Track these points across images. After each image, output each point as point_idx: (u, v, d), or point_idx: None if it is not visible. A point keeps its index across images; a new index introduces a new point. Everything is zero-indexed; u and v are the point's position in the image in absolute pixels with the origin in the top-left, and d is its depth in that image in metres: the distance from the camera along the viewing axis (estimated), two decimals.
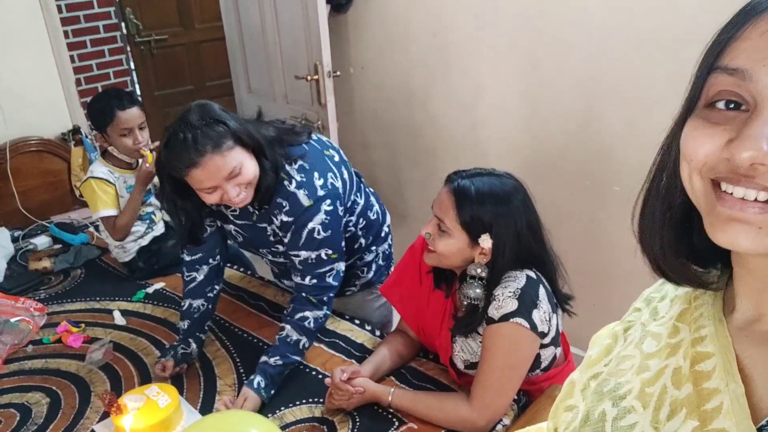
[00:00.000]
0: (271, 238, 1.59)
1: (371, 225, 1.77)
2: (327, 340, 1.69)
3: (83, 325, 1.85)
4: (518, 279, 1.25)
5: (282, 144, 1.51)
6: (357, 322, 1.76)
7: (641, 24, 1.82)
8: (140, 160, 2.04)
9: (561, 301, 1.33)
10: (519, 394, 1.40)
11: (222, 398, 1.48)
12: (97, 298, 2.02)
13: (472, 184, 1.26)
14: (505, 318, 1.23)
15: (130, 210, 2.02)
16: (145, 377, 1.60)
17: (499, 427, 1.31)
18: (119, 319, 1.87)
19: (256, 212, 1.56)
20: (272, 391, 1.47)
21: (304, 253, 1.52)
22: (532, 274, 1.27)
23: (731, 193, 0.45)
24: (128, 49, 4.53)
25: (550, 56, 2.10)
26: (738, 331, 0.53)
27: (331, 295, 1.58)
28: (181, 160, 1.36)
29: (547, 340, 1.30)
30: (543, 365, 1.35)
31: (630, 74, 1.89)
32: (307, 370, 1.57)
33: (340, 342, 1.67)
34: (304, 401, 1.46)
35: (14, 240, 2.40)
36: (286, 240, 1.54)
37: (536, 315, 1.24)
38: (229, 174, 1.38)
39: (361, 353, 1.61)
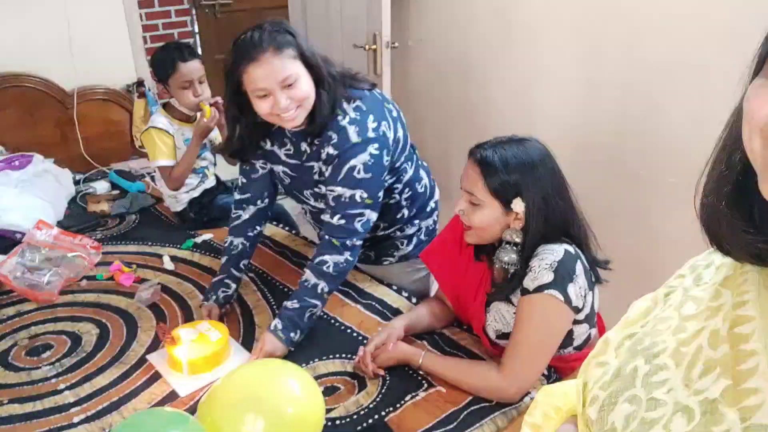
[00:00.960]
0: (316, 177, 1.61)
1: (417, 197, 1.78)
2: (363, 301, 1.72)
3: (135, 266, 1.94)
4: (556, 252, 1.25)
5: (344, 83, 1.53)
6: (395, 287, 1.79)
7: (715, 13, 1.76)
8: (198, 114, 2.11)
9: (597, 266, 1.33)
10: (550, 371, 1.41)
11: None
12: (149, 243, 2.11)
13: (495, 152, 1.27)
14: (539, 289, 1.24)
15: (185, 162, 2.10)
16: (188, 318, 1.67)
17: (527, 399, 1.32)
18: (168, 264, 1.95)
19: (308, 150, 1.58)
20: (292, 334, 1.49)
21: (339, 189, 1.52)
22: (570, 248, 1.27)
23: None
24: (194, 11, 4.63)
25: (615, 43, 2.06)
26: None
27: (357, 242, 1.56)
28: (242, 55, 1.40)
29: (581, 316, 1.30)
30: (576, 343, 1.36)
31: (700, 66, 1.83)
32: (342, 327, 1.62)
33: (376, 304, 1.71)
34: (337, 356, 1.50)
35: (76, 182, 2.52)
36: (326, 174, 1.55)
37: (572, 289, 1.24)
38: (284, 80, 1.40)
39: (396, 317, 1.64)
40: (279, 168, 1.68)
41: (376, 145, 1.50)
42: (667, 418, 0.53)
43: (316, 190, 1.64)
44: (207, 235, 2.14)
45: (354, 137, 1.49)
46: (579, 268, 1.26)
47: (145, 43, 4.09)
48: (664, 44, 1.91)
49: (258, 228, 1.76)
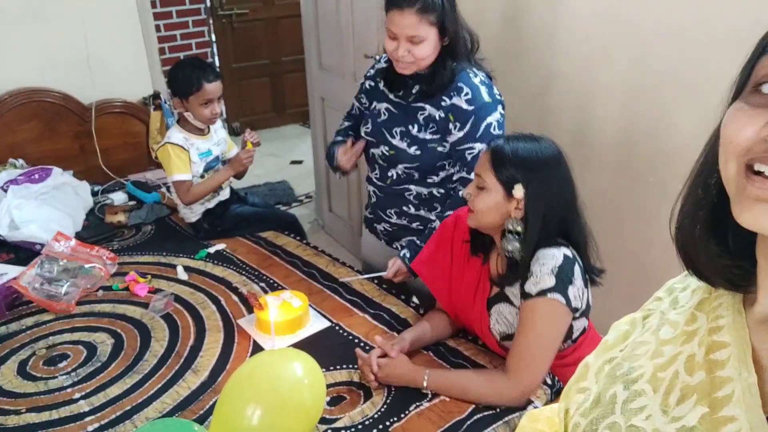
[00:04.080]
0: (421, 120, 1.71)
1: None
2: (372, 311, 1.75)
3: (149, 276, 1.98)
4: (556, 257, 1.29)
5: (469, 59, 1.71)
6: (403, 297, 1.81)
7: (723, 20, 1.75)
8: (212, 128, 2.16)
9: (591, 273, 1.37)
10: (553, 380, 1.42)
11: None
12: (164, 253, 2.15)
13: (507, 144, 1.35)
14: (542, 293, 1.28)
15: (209, 185, 2.16)
16: (200, 328, 1.71)
17: (530, 408, 1.33)
18: (182, 274, 1.99)
19: (418, 92, 1.71)
20: None
21: (478, 146, 1.66)
22: (568, 252, 1.31)
23: (762, 173, 0.46)
24: (211, 21, 4.72)
25: (625, 50, 2.05)
26: (757, 323, 0.53)
27: None
28: (392, 2, 1.58)
29: (578, 314, 1.35)
30: (574, 336, 1.40)
31: (708, 72, 1.82)
32: (350, 337, 1.64)
33: (385, 315, 1.73)
34: (344, 366, 1.52)
35: (94, 194, 2.58)
36: (459, 132, 1.67)
37: (571, 291, 1.28)
38: (411, 37, 1.58)
39: (403, 327, 1.65)
40: (382, 105, 1.80)
41: (501, 108, 1.69)
42: None
43: (410, 128, 1.73)
44: (220, 245, 2.17)
45: (486, 97, 1.66)
46: (577, 270, 1.30)
47: (163, 54, 4.19)
48: (673, 51, 1.90)
49: (351, 133, 1.95)
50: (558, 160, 1.34)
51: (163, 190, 2.64)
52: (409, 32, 1.57)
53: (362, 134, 1.86)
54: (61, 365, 1.58)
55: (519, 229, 1.34)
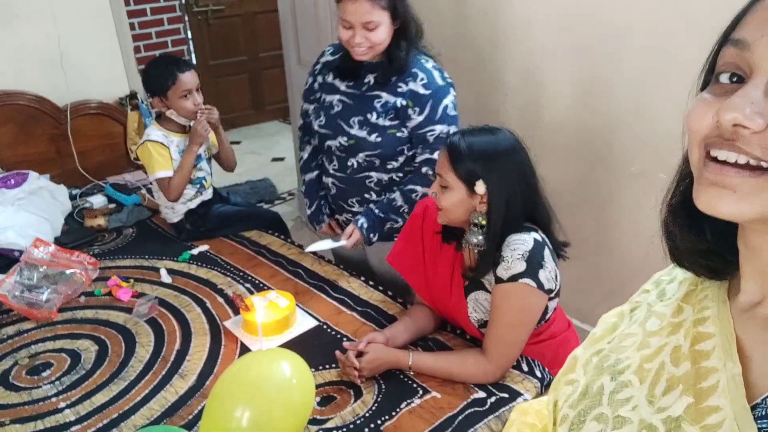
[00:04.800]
0: (378, 108, 1.75)
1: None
2: (360, 309, 1.74)
3: (132, 280, 1.95)
4: (526, 242, 1.33)
5: (419, 46, 1.77)
6: (390, 293, 1.80)
7: (700, 9, 1.76)
8: (193, 122, 2.13)
9: (557, 247, 1.41)
10: (543, 372, 1.43)
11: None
12: (146, 256, 2.12)
13: (463, 140, 1.36)
14: (513, 278, 1.32)
15: (183, 170, 2.11)
16: (186, 332, 1.69)
17: (520, 400, 1.33)
18: (165, 277, 1.97)
19: (371, 82, 1.76)
20: (371, 235, 1.81)
21: (439, 127, 1.73)
22: (538, 237, 1.35)
23: (715, 158, 0.47)
24: (186, 18, 4.65)
25: (603, 42, 2.06)
26: (741, 313, 0.54)
27: None
28: None
29: (553, 294, 1.38)
30: (546, 316, 1.44)
31: (684, 65, 1.84)
32: (338, 336, 1.63)
33: (372, 312, 1.72)
34: (333, 366, 1.51)
35: (72, 198, 2.53)
36: (419, 116, 1.73)
37: (542, 274, 1.32)
38: (367, 23, 1.63)
39: (391, 324, 1.65)
40: (334, 97, 1.82)
41: (453, 90, 1.76)
42: None
43: (368, 116, 1.76)
44: (203, 247, 2.15)
45: (440, 80, 1.74)
46: (547, 253, 1.34)
47: (138, 53, 4.12)
48: (651, 41, 1.91)
49: (320, 158, 1.97)
50: (515, 149, 1.37)
51: (144, 191, 2.61)
52: (364, 18, 1.62)
53: (315, 128, 1.87)
54: (44, 374, 1.55)
55: (483, 222, 1.38)
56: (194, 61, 4.73)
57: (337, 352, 1.48)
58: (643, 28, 1.92)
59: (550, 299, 1.38)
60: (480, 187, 1.34)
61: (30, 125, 2.68)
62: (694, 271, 0.59)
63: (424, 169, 1.77)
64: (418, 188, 1.78)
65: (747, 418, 0.47)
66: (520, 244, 1.32)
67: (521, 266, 1.31)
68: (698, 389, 0.51)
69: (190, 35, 4.75)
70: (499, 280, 1.34)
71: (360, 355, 1.42)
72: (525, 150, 1.39)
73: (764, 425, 0.46)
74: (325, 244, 1.87)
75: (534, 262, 1.31)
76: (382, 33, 1.67)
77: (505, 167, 1.34)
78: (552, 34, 2.22)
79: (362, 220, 1.81)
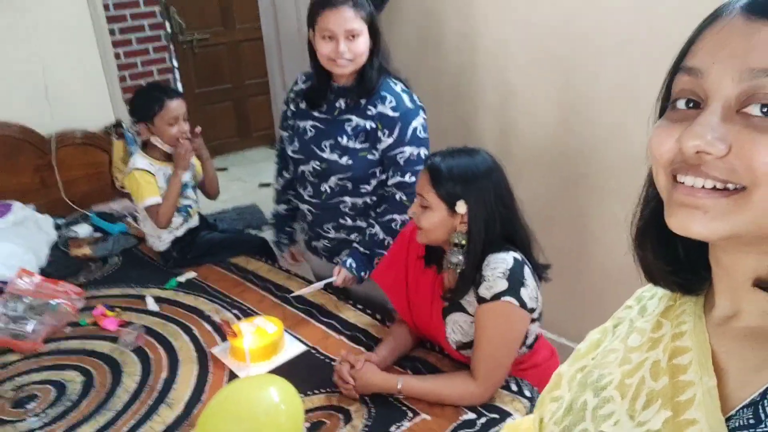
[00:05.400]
0: (349, 131, 1.76)
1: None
2: (348, 333, 1.74)
3: (118, 309, 1.94)
4: (506, 261, 1.34)
5: (389, 69, 1.80)
6: (378, 317, 1.80)
7: (675, 35, 1.81)
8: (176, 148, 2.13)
9: (538, 269, 1.42)
10: (532, 391, 1.43)
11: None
12: (132, 285, 2.11)
13: (443, 161, 1.39)
14: (496, 297, 1.32)
15: (170, 195, 2.11)
16: (173, 360, 1.67)
17: (509, 420, 1.33)
18: (152, 305, 1.95)
19: (342, 107, 1.78)
20: (362, 273, 1.81)
21: (408, 149, 1.74)
22: (518, 256, 1.36)
23: (683, 183, 0.49)
24: (171, 47, 4.68)
25: (581, 62, 2.10)
26: (716, 327, 0.55)
27: None
28: (324, 3, 1.66)
29: (535, 315, 1.39)
30: (528, 342, 1.43)
31: (659, 84, 1.88)
32: (327, 360, 1.63)
33: (361, 336, 1.72)
34: (322, 390, 1.50)
35: (57, 228, 2.52)
36: (389, 138, 1.74)
37: (524, 292, 1.33)
38: (349, 31, 1.65)
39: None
40: (306, 123, 1.84)
41: (423, 113, 1.78)
42: None
43: (339, 139, 1.77)
44: (191, 274, 2.14)
45: (408, 103, 1.75)
46: (527, 272, 1.35)
47: (124, 81, 4.13)
48: (627, 59, 1.96)
49: (291, 193, 2.01)
50: (492, 169, 1.39)
51: (130, 219, 2.60)
52: (348, 26, 1.65)
53: (289, 153, 1.89)
54: (29, 407, 1.53)
55: (463, 242, 1.39)
56: (180, 89, 4.75)
57: (335, 365, 1.49)
58: (619, 48, 1.97)
59: (532, 321, 1.39)
60: (461, 207, 1.36)
61: (14, 155, 2.67)
62: (669, 288, 0.61)
63: (397, 196, 1.77)
64: (396, 217, 1.79)
65: (722, 429, 0.48)
66: (500, 262, 1.34)
67: (503, 284, 1.32)
68: (675, 403, 0.52)
69: (176, 64, 4.78)
70: (482, 300, 1.35)
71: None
72: (502, 171, 1.41)
73: None
74: (313, 287, 1.87)
75: (515, 280, 1.33)
76: (363, 44, 1.69)
77: (484, 188, 1.36)
78: (529, 55, 2.27)
79: (349, 261, 1.81)
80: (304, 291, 1.88)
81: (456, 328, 1.44)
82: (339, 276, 1.81)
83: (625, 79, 1.98)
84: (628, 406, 0.56)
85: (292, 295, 1.92)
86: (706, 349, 0.54)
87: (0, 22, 2.59)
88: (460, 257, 1.40)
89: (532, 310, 1.36)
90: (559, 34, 2.14)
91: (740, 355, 0.52)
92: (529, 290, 1.34)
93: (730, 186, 0.47)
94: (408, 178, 1.75)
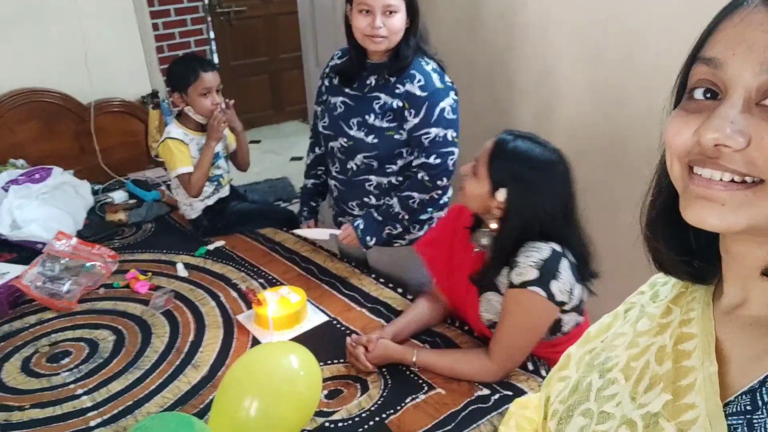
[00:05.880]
0: (377, 109, 1.76)
1: None
2: (369, 305, 1.77)
3: (150, 273, 2.01)
4: (542, 251, 1.32)
5: (423, 49, 1.77)
6: (400, 291, 1.83)
7: (712, 12, 1.77)
8: (210, 119, 2.18)
9: (585, 277, 1.38)
10: (548, 371, 1.44)
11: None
12: (164, 251, 2.18)
13: (513, 141, 1.35)
14: (523, 285, 1.31)
15: (202, 165, 2.16)
16: (200, 324, 1.73)
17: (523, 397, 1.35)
18: (182, 271, 2.02)
19: (372, 83, 1.77)
20: (368, 238, 1.83)
21: (434, 130, 1.72)
22: (557, 247, 1.33)
23: (700, 175, 0.49)
24: (209, 19, 4.72)
25: (616, 46, 2.07)
26: (723, 315, 0.56)
27: (445, 182, 1.79)
28: None
29: (568, 308, 1.37)
30: (564, 329, 1.42)
31: None
32: (348, 331, 1.66)
33: (382, 308, 1.75)
34: (341, 360, 1.54)
35: (94, 193, 2.60)
36: (415, 118, 1.72)
37: (555, 285, 1.30)
38: (387, 6, 1.64)
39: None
40: (338, 99, 1.84)
41: (453, 94, 1.76)
42: (614, 430, 0.56)
43: (366, 117, 1.77)
44: (219, 242, 2.20)
45: (438, 83, 1.72)
46: (564, 265, 1.32)
47: (162, 52, 4.19)
48: (664, 44, 1.92)
49: (321, 169, 2.04)
50: (554, 170, 1.34)
51: (163, 188, 2.67)
52: (386, 1, 1.63)
53: (320, 129, 1.91)
54: (63, 362, 1.60)
55: (493, 226, 1.38)
56: (216, 61, 4.80)
57: (348, 342, 1.51)
58: (656, 32, 1.93)
59: (565, 312, 1.36)
60: (501, 194, 1.33)
61: (54, 122, 2.76)
62: (678, 277, 0.61)
63: (420, 175, 1.77)
64: (415, 195, 1.79)
65: (719, 414, 0.49)
66: (535, 251, 1.31)
67: (533, 274, 1.30)
68: (677, 387, 0.53)
69: (212, 36, 4.82)
70: (510, 285, 1.34)
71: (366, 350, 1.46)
72: (565, 176, 1.35)
73: (734, 421, 0.48)
74: (314, 233, 1.94)
75: (547, 272, 1.30)
76: (400, 21, 1.67)
77: (535, 185, 1.32)
78: (566, 37, 2.23)
79: (359, 221, 1.84)
80: (306, 232, 1.92)
81: (489, 307, 1.45)
82: (344, 232, 1.84)
83: (662, 64, 1.94)
84: (631, 388, 0.57)
85: (294, 231, 1.98)
86: (710, 335, 0.54)
87: None
88: (485, 240, 1.39)
89: (561, 303, 1.33)
90: (597, 17, 2.10)
91: (744, 344, 0.53)
92: (562, 284, 1.30)
93: (748, 179, 0.46)
94: (433, 159, 1.74)
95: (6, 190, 2.28)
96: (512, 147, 1.34)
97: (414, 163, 1.79)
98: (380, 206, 1.86)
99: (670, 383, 0.54)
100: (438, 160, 1.74)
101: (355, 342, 1.49)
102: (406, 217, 1.81)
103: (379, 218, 1.83)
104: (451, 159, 1.77)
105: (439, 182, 1.77)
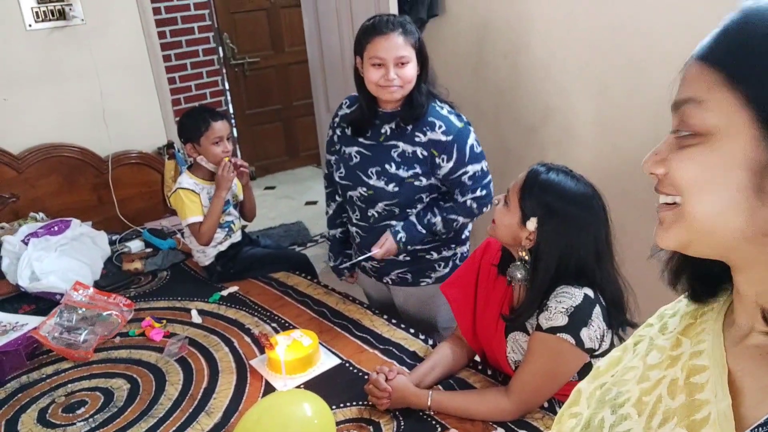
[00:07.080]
0: (396, 157, 1.78)
1: None
2: (381, 347, 1.76)
3: (165, 321, 2.03)
4: (575, 297, 1.29)
5: (434, 92, 1.81)
6: (412, 331, 1.83)
7: None
8: (219, 168, 2.23)
9: (618, 324, 1.34)
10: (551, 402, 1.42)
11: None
12: (179, 298, 2.20)
13: (547, 172, 1.35)
14: (552, 331, 1.29)
15: (212, 214, 2.20)
16: (213, 370, 1.74)
17: None
18: (196, 318, 2.03)
19: (387, 132, 1.79)
20: (407, 247, 1.83)
21: (471, 167, 1.77)
22: (590, 293, 1.30)
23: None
24: (224, 71, 4.86)
25: (620, 81, 2.10)
26: (733, 345, 0.56)
27: (488, 208, 1.83)
28: (373, 29, 1.69)
29: (599, 353, 1.32)
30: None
31: None
32: (360, 374, 1.65)
33: (394, 349, 1.74)
34: (354, 403, 1.53)
35: (111, 243, 2.64)
36: (448, 163, 1.75)
37: (585, 333, 1.27)
38: (399, 58, 1.67)
39: (413, 361, 1.67)
40: (352, 149, 1.85)
41: (472, 130, 1.79)
42: None
43: (386, 167, 1.78)
44: (233, 288, 2.22)
45: (458, 123, 1.76)
46: (596, 312, 1.29)
47: (180, 105, 4.32)
48: (668, 75, 1.94)
49: (344, 215, 2.05)
50: (585, 202, 1.32)
51: (179, 236, 2.71)
52: (398, 53, 1.67)
53: (336, 179, 1.92)
54: (79, 412, 1.61)
55: (526, 258, 1.36)
56: (231, 111, 4.92)
57: (370, 380, 1.50)
58: (659, 63, 1.95)
59: (595, 357, 1.33)
60: (531, 223, 1.32)
61: (74, 175, 2.84)
62: (692, 299, 0.63)
63: (469, 203, 1.80)
64: (460, 219, 1.82)
65: None
66: (567, 297, 1.29)
67: (562, 320, 1.28)
68: (691, 421, 0.53)
69: (227, 87, 4.96)
70: (538, 327, 1.32)
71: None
72: (599, 214, 1.33)
73: None
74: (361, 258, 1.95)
75: (577, 320, 1.27)
76: (412, 70, 1.70)
77: (568, 219, 1.30)
78: (570, 73, 2.27)
79: (401, 234, 1.82)
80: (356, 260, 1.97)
81: (516, 347, 1.42)
82: (384, 246, 1.81)
83: (666, 94, 1.96)
84: (644, 423, 0.57)
85: (349, 263, 2.04)
86: (722, 367, 0.54)
87: (64, 54, 2.77)
88: (519, 273, 1.37)
89: (591, 351, 1.30)
90: (600, 52, 2.14)
91: (755, 375, 0.52)
92: (593, 331, 1.28)
93: (678, 200, 0.53)
94: (479, 192, 1.80)
95: (26, 243, 2.34)
96: (545, 178, 1.34)
97: (461, 200, 1.81)
98: (407, 259, 1.88)
99: (685, 417, 0.53)
100: (483, 191, 1.81)
101: (379, 370, 1.48)
102: (443, 233, 1.84)
103: (421, 230, 1.82)
104: (491, 187, 1.84)
105: (485, 209, 1.84)
